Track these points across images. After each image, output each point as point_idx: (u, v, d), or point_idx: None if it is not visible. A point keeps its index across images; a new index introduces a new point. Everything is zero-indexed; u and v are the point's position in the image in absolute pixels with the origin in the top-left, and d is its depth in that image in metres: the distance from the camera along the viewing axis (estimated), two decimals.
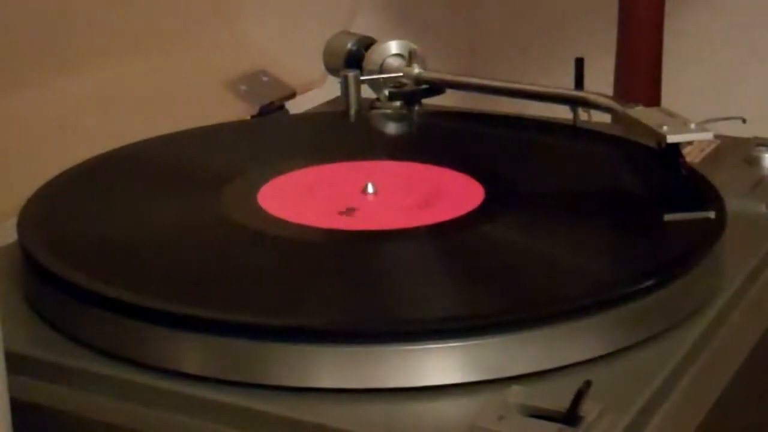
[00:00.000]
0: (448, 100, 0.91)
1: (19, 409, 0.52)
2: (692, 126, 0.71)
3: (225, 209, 0.68)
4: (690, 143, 0.77)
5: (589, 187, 0.73)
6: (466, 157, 0.76)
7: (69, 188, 0.72)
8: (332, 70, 0.94)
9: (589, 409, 0.50)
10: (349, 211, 0.69)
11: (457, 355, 0.54)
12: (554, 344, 0.55)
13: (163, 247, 0.65)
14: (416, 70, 0.90)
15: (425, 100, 0.90)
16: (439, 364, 0.54)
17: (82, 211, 0.70)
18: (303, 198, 0.71)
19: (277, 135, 0.87)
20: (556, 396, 0.51)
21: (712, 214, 0.65)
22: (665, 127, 0.71)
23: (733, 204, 0.68)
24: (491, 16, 1.48)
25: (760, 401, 0.67)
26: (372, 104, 0.90)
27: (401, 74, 0.90)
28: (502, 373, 0.54)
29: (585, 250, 0.64)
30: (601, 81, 0.92)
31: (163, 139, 0.80)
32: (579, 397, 0.50)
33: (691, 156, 0.79)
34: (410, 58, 0.90)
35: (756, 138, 0.80)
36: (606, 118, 0.80)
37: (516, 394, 0.52)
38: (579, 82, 0.83)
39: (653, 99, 1.06)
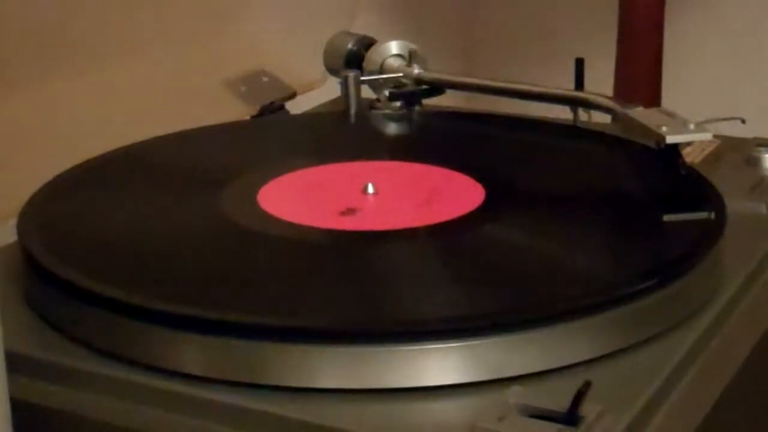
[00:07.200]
0: (448, 100, 0.91)
1: (19, 409, 0.52)
2: (691, 126, 0.71)
3: (225, 209, 0.68)
4: (689, 144, 0.77)
5: (589, 187, 0.72)
6: (466, 158, 0.76)
7: (69, 188, 0.72)
8: (332, 70, 0.94)
9: (589, 409, 0.50)
10: (350, 211, 0.69)
11: (457, 355, 0.54)
12: (554, 344, 0.55)
13: (163, 247, 0.65)
14: (416, 70, 0.90)
15: (425, 100, 0.90)
16: (439, 364, 0.54)
17: (82, 211, 0.70)
18: (303, 198, 0.71)
19: (277, 135, 0.87)
20: (556, 396, 0.51)
21: (711, 215, 0.65)
22: (664, 128, 0.71)
23: (733, 204, 0.68)
24: (491, 17, 1.48)
25: (760, 401, 0.67)
26: (372, 104, 0.90)
27: (401, 74, 0.90)
28: (502, 373, 0.54)
29: (585, 251, 0.64)
30: (601, 81, 0.91)
31: (163, 139, 0.80)
32: (579, 397, 0.50)
33: (691, 156, 0.79)
34: (410, 58, 0.90)
35: (756, 138, 0.80)
36: (606, 118, 0.80)
37: (516, 394, 0.52)
38: (579, 83, 0.83)
39: (653, 99, 1.06)
